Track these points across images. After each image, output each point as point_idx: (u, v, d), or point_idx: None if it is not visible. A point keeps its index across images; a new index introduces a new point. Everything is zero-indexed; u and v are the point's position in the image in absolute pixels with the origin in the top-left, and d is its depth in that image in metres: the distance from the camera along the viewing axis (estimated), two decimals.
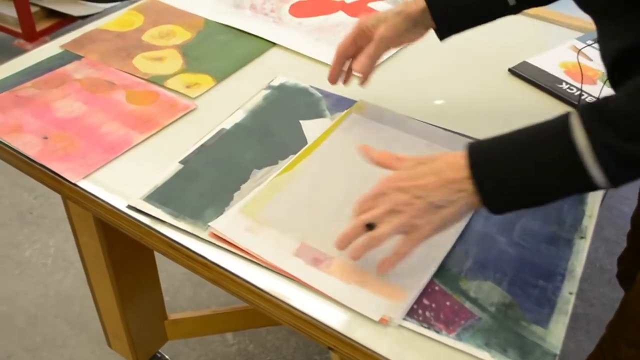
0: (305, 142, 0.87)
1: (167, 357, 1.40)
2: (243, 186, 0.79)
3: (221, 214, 0.75)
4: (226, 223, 0.73)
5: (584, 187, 0.58)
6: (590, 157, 0.56)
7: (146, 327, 1.30)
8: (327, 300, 0.67)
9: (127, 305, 1.20)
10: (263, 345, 1.53)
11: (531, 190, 0.60)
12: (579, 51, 1.10)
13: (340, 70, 0.89)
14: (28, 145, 0.86)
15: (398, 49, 0.88)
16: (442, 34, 0.84)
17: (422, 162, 0.65)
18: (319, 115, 0.92)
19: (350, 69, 0.90)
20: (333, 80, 0.89)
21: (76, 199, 0.82)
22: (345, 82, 0.92)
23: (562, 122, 0.58)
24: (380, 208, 0.64)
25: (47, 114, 0.91)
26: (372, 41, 0.83)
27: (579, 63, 1.06)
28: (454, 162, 0.62)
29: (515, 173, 0.59)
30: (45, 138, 0.87)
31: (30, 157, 0.84)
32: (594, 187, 0.58)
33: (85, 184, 0.80)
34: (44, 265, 1.72)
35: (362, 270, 0.69)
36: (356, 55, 0.86)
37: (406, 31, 0.83)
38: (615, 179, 0.57)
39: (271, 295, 0.67)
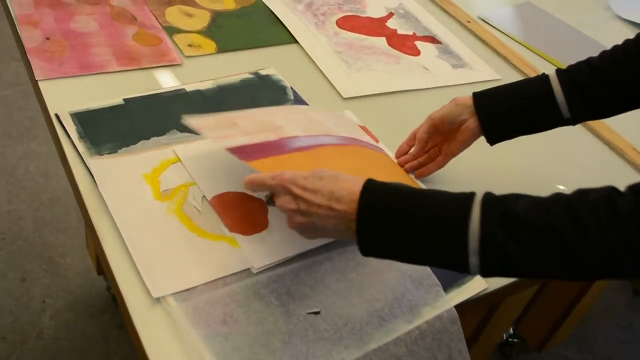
0: None
1: None
2: (153, 138, 0.87)
3: (115, 152, 0.83)
4: (101, 163, 0.81)
5: (456, 268, 0.59)
6: (476, 248, 0.56)
7: None
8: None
9: None
10: None
11: (407, 257, 0.61)
12: None
13: (406, 148, 0.90)
14: (31, 38, 0.99)
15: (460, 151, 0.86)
16: (491, 139, 0.83)
17: (322, 177, 0.63)
18: None
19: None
20: (399, 155, 0.90)
21: (37, 94, 0.94)
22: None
23: (463, 208, 0.57)
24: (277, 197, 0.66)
25: (64, 21, 1.05)
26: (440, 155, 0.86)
27: None
28: (350, 194, 0.61)
29: (398, 240, 0.59)
30: (48, 39, 1.00)
31: (25, 47, 0.97)
32: (465, 271, 0.58)
33: (43, 84, 0.92)
34: None
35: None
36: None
37: (456, 120, 0.83)
38: (487, 273, 0.58)
39: (102, 243, 0.73)
